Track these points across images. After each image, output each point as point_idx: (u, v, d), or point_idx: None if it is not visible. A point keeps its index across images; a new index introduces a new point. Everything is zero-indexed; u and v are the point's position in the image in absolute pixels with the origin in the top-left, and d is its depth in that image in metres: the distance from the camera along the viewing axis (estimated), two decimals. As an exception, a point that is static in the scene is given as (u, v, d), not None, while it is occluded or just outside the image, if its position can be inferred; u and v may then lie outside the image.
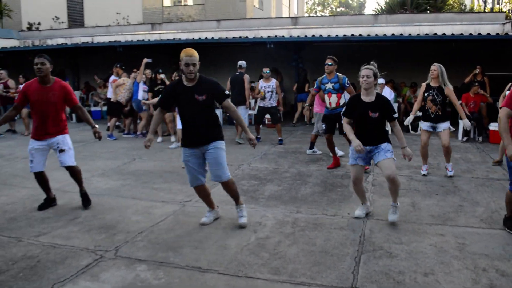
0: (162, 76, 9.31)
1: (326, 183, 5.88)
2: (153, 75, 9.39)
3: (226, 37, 12.10)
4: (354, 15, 14.92)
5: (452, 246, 3.83)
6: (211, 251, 3.68)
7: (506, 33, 11.00)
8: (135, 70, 10.54)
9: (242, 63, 9.48)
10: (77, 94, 14.23)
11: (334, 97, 6.50)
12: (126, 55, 12.82)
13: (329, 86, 6.49)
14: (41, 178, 4.86)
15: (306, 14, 34.26)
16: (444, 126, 6.06)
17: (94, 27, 16.10)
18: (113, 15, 17.78)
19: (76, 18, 19.07)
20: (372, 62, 4.32)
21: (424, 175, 6.27)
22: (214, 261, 3.48)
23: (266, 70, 8.96)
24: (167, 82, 9.33)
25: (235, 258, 3.53)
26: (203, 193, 4.29)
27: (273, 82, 9.11)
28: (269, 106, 9.00)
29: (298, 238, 3.97)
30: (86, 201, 4.90)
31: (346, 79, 6.50)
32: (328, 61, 6.46)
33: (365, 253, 3.67)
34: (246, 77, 9.29)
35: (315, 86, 6.74)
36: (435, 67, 5.97)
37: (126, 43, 12.04)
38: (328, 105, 6.58)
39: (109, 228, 4.19)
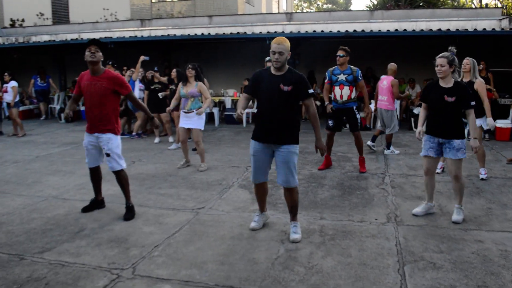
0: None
1: (343, 186, 5.57)
2: (151, 75, 8.97)
3: (224, 33, 11.68)
4: (350, 11, 14.65)
5: (496, 254, 3.57)
6: (239, 266, 3.32)
7: (503, 29, 10.85)
8: (125, 68, 10.11)
9: (269, 58, 9.27)
10: (62, 94, 13.68)
11: (346, 90, 6.13)
12: (115, 52, 12.31)
13: (342, 77, 6.13)
14: (95, 175, 4.67)
15: (293, 11, 33.94)
16: (479, 121, 5.69)
17: (80, 24, 15.47)
18: (99, 11, 17.15)
19: (61, 14, 18.34)
20: (450, 48, 4.29)
21: (482, 179, 5.85)
22: (246, 278, 3.13)
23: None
24: (163, 80, 8.95)
25: (268, 274, 3.19)
26: (262, 192, 4.01)
27: None
28: None
29: (331, 249, 3.64)
30: (129, 213, 4.49)
31: (360, 71, 6.18)
32: (340, 52, 6.07)
33: (407, 264, 3.37)
34: None
35: (326, 79, 6.34)
36: (468, 61, 5.64)
37: (118, 39, 11.52)
38: (338, 98, 6.18)
39: (121, 242, 3.80)
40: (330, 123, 6.30)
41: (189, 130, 6.56)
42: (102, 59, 4.37)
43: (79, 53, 14.36)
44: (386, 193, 5.27)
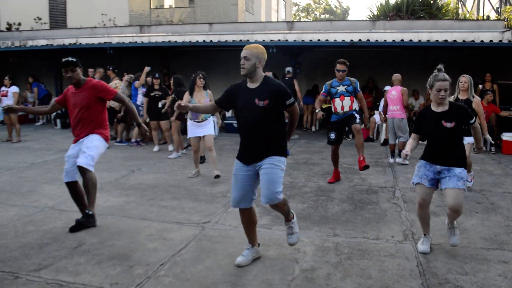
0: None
1: (353, 200, 5.35)
2: (152, 79, 8.74)
3: (226, 40, 11.50)
4: (352, 21, 14.55)
5: (523, 276, 3.36)
6: (253, 288, 3.08)
7: (510, 41, 10.78)
8: (125, 74, 9.91)
9: (289, 69, 10.23)
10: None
11: (347, 100, 5.90)
12: (113, 58, 12.10)
13: (342, 88, 5.92)
14: (74, 191, 4.33)
15: (292, 20, 33.94)
16: (469, 139, 5.59)
17: (78, 29, 15.23)
18: (97, 17, 16.93)
19: (58, 19, 18.08)
20: (439, 67, 3.71)
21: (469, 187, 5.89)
22: (262, 302, 2.89)
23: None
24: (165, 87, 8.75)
25: (285, 298, 2.95)
26: (248, 219, 3.45)
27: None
28: None
29: (349, 269, 3.41)
30: (88, 221, 4.17)
31: (358, 83, 6.01)
32: (341, 67, 5.86)
33: (432, 287, 3.15)
34: (295, 81, 10.06)
35: (323, 91, 6.07)
36: (465, 79, 5.55)
37: (117, 45, 11.30)
38: (340, 110, 5.95)
39: (123, 259, 3.54)
40: (332, 136, 6.00)
41: (200, 139, 6.37)
42: (80, 74, 4.27)
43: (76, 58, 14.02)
44: (399, 208, 5.05)
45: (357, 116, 6.00)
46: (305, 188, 5.84)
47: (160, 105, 8.52)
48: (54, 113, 12.46)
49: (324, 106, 12.83)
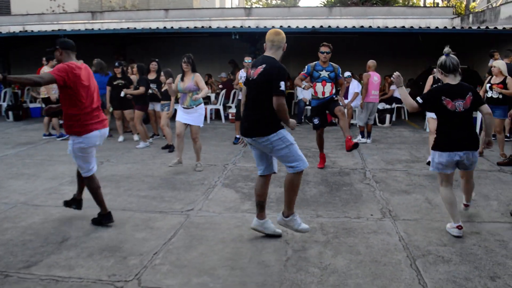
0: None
1: (328, 182, 5.53)
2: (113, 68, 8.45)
3: (187, 27, 11.32)
4: (309, 7, 14.76)
5: (495, 244, 3.66)
6: (251, 270, 3.15)
7: (462, 27, 11.39)
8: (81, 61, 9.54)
9: None
10: (9, 91, 12.67)
11: (328, 86, 6.04)
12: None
13: (324, 74, 6.02)
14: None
15: (245, 5, 33.73)
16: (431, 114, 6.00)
17: (24, 15, 14.41)
18: (44, 2, 16.06)
19: (1, 5, 16.98)
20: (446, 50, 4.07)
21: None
22: (263, 283, 2.97)
23: (247, 59, 8.23)
24: (132, 76, 8.50)
25: (284, 278, 3.04)
26: (265, 188, 3.73)
27: None
28: None
29: (338, 247, 3.56)
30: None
31: (340, 69, 6.17)
32: (325, 49, 5.95)
33: (418, 259, 3.36)
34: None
35: (305, 71, 6.11)
36: None
37: (73, 32, 10.79)
38: (320, 95, 6.07)
39: (115, 250, 3.49)
40: (316, 121, 6.15)
41: (186, 126, 6.16)
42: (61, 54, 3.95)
43: (25, 47, 13.34)
44: (372, 188, 5.29)
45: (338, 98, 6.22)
46: (279, 173, 5.92)
47: (122, 94, 8.29)
48: (6, 105, 11.79)
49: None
